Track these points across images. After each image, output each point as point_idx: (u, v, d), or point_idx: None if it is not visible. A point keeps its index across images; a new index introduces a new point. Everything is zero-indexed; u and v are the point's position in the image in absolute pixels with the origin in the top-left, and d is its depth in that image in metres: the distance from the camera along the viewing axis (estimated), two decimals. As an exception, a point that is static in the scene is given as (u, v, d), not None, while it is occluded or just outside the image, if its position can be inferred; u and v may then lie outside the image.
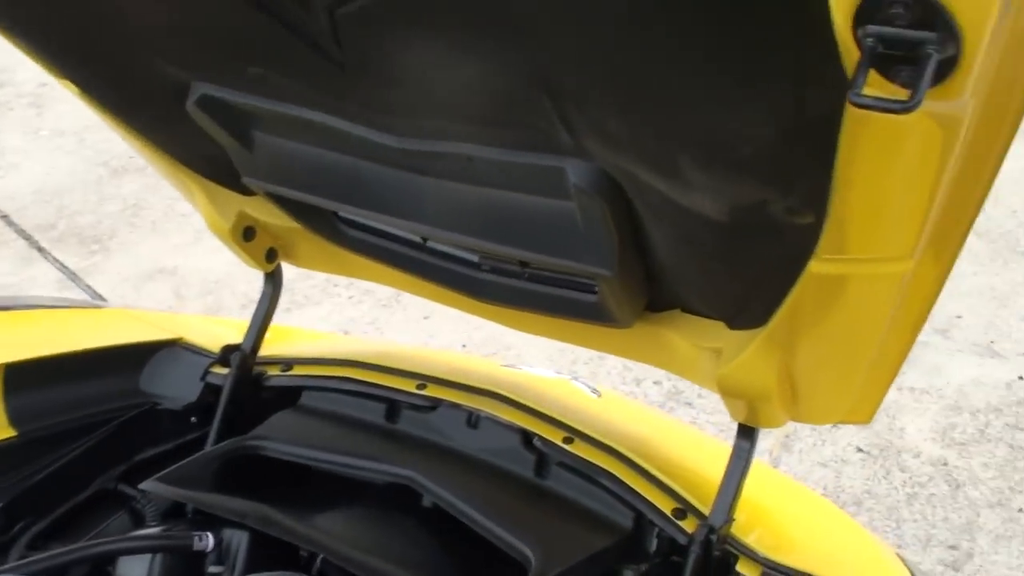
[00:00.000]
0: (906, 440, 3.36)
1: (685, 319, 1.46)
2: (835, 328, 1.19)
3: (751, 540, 1.51)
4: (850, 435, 3.36)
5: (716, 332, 1.40)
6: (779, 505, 1.72)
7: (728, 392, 1.38)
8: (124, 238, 4.73)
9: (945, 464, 3.26)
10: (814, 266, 1.07)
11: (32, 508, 1.81)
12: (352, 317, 3.99)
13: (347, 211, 1.66)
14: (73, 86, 1.56)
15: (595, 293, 1.45)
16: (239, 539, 1.60)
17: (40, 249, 4.73)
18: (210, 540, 1.55)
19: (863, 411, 1.38)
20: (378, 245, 1.72)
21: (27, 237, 4.80)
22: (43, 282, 4.41)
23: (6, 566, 1.46)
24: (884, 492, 3.17)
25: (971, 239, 1.06)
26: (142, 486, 1.62)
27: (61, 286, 4.39)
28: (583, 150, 1.14)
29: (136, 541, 1.56)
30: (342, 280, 4.10)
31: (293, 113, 1.41)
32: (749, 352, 1.29)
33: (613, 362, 3.29)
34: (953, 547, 2.99)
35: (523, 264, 1.54)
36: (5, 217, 5.00)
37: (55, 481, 1.84)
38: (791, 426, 3.39)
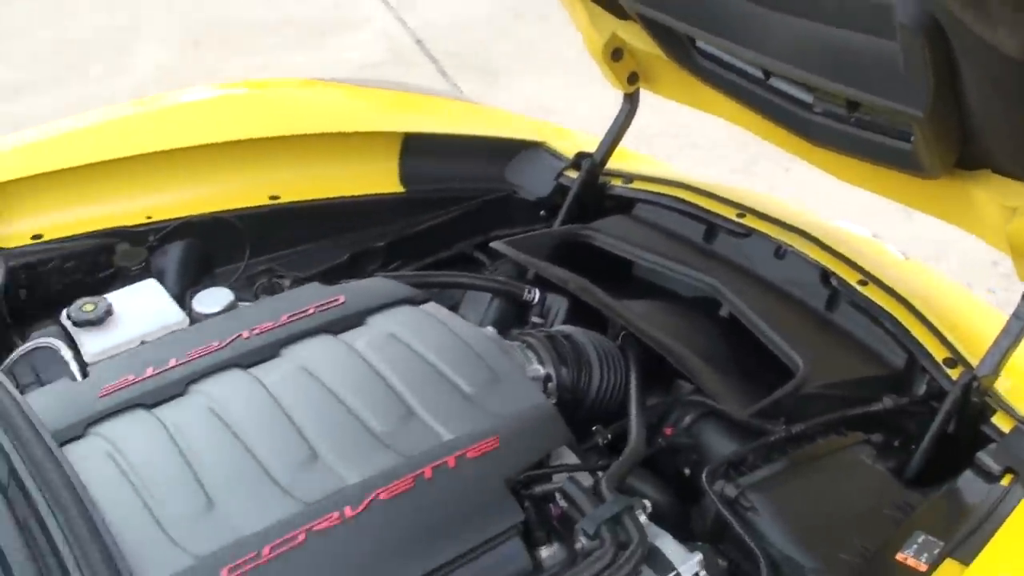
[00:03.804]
0: None
1: (993, 178, 1.54)
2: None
3: (1018, 402, 1.59)
4: None
5: (1016, 191, 1.47)
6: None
7: (1018, 248, 1.46)
8: (515, 75, 5.18)
9: None
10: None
11: (408, 253, 2.23)
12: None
13: (704, 38, 1.85)
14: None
15: (910, 141, 1.56)
16: (560, 304, 1.91)
17: (444, 74, 5.30)
18: (536, 294, 1.87)
19: None
20: (726, 78, 1.90)
21: (435, 61, 5.40)
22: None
23: (392, 273, 1.85)
24: None
25: None
26: (492, 244, 1.95)
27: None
28: None
29: (482, 279, 1.92)
30: (702, 142, 4.29)
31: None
32: (1043, 210, 1.37)
33: (950, 265, 3.26)
34: None
35: (851, 107, 1.67)
36: (420, 42, 5.62)
37: (427, 236, 2.24)
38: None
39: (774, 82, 1.82)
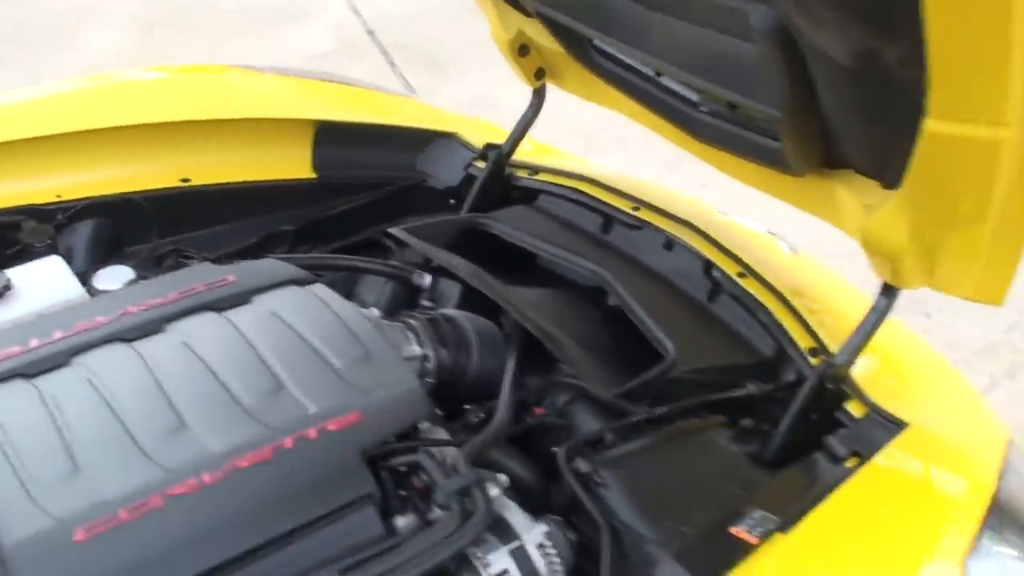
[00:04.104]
0: None
1: (854, 177, 1.61)
2: (954, 192, 1.33)
3: (871, 390, 1.67)
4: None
5: (872, 190, 1.55)
6: (911, 367, 1.84)
7: (869, 245, 1.54)
8: (463, 68, 5.23)
9: None
10: (928, 124, 1.22)
11: (317, 237, 2.28)
12: (636, 170, 4.28)
13: (598, 37, 1.92)
14: None
15: (779, 140, 1.63)
16: (452, 289, 1.97)
17: (392, 64, 5.35)
18: (427, 279, 1.94)
19: (993, 289, 1.49)
20: (622, 76, 1.98)
21: (384, 52, 5.44)
22: (389, 94, 4.99)
23: (276, 254, 1.91)
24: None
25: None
26: (390, 230, 2.01)
27: (402, 100, 4.95)
28: None
29: (374, 264, 1.98)
30: (638, 135, 4.36)
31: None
32: (887, 208, 1.45)
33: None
34: None
35: (731, 107, 1.75)
36: (371, 32, 5.66)
37: (337, 221, 2.30)
38: (1020, 355, 3.33)
39: (664, 80, 1.90)
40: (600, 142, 4.59)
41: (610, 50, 1.96)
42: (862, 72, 1.26)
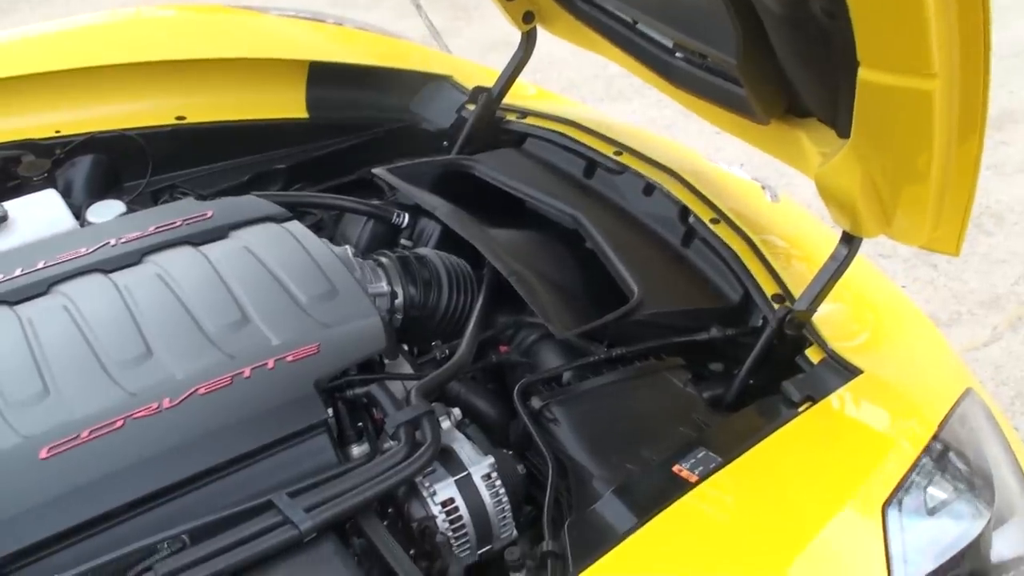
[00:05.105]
0: None
1: (815, 125, 1.63)
2: (896, 143, 1.35)
3: (834, 337, 1.70)
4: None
5: (830, 139, 1.57)
6: (880, 316, 1.86)
7: (823, 192, 1.56)
8: (486, 10, 5.22)
9: None
10: (862, 73, 1.24)
11: (309, 176, 2.34)
12: (653, 117, 4.27)
13: (578, -18, 1.93)
14: None
15: (742, 87, 1.65)
16: (432, 229, 2.02)
17: (418, 6, 5.35)
18: (405, 218, 1.99)
19: (948, 240, 1.51)
20: (603, 22, 2.00)
21: (409, -7, 5.45)
22: (412, 36, 5.00)
23: (266, 192, 1.96)
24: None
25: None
26: (374, 171, 2.06)
27: (424, 42, 4.97)
28: None
29: (352, 202, 2.03)
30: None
31: None
32: (840, 157, 1.47)
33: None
34: None
35: (702, 56, 1.76)
36: (396, -27, 5.66)
37: (329, 161, 2.35)
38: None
39: (641, 27, 1.91)
40: (621, 87, 4.59)
41: (590, -4, 1.98)
42: (794, 20, 1.28)
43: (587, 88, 4.70)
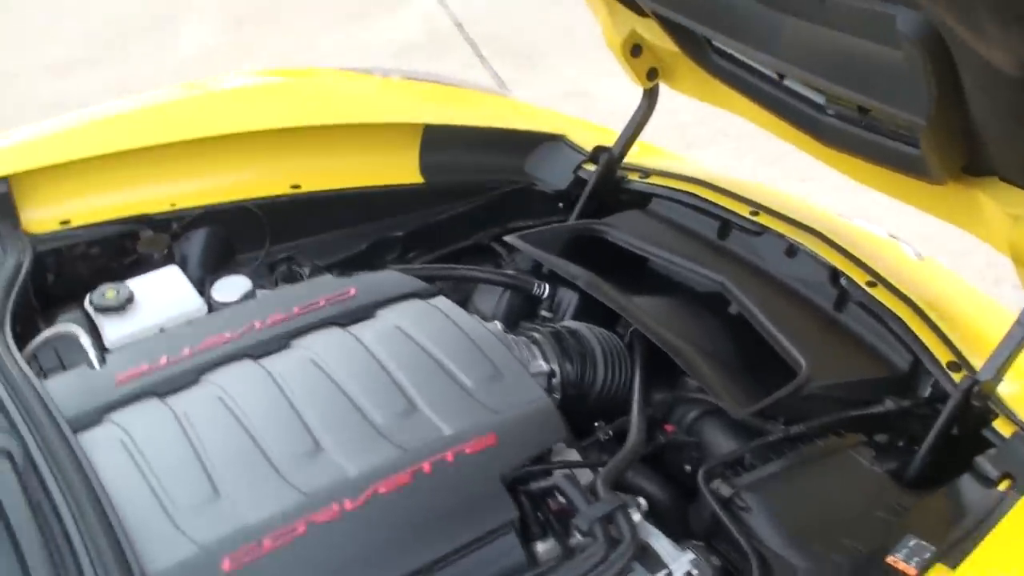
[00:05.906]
0: None
1: (999, 185, 1.54)
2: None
3: (1020, 407, 1.60)
4: None
5: (1020, 199, 1.48)
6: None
7: (1019, 256, 1.47)
8: (551, 60, 5.19)
9: None
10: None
11: (425, 243, 2.27)
12: (731, 167, 4.19)
13: (718, 39, 1.86)
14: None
15: (917, 147, 1.56)
16: (570, 298, 1.94)
17: (481, 57, 5.32)
18: (546, 288, 1.91)
19: None
20: (741, 77, 1.92)
21: (473, 45, 5.41)
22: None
23: (398, 266, 1.90)
24: None
25: None
26: (506, 238, 1.98)
27: (492, 93, 4.93)
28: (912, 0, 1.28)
29: (492, 274, 1.95)
30: (733, 131, 4.27)
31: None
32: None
33: (976, 261, 3.22)
34: None
35: (862, 111, 1.68)
36: (459, 25, 5.64)
37: (445, 226, 2.28)
38: None
39: (788, 83, 1.83)
40: (695, 136, 4.50)
41: (730, 51, 1.90)
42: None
43: (661, 137, 4.64)
